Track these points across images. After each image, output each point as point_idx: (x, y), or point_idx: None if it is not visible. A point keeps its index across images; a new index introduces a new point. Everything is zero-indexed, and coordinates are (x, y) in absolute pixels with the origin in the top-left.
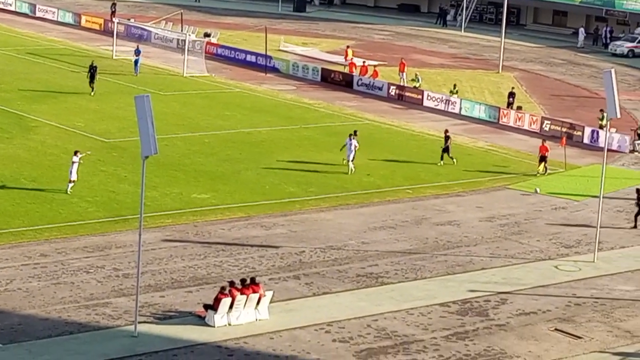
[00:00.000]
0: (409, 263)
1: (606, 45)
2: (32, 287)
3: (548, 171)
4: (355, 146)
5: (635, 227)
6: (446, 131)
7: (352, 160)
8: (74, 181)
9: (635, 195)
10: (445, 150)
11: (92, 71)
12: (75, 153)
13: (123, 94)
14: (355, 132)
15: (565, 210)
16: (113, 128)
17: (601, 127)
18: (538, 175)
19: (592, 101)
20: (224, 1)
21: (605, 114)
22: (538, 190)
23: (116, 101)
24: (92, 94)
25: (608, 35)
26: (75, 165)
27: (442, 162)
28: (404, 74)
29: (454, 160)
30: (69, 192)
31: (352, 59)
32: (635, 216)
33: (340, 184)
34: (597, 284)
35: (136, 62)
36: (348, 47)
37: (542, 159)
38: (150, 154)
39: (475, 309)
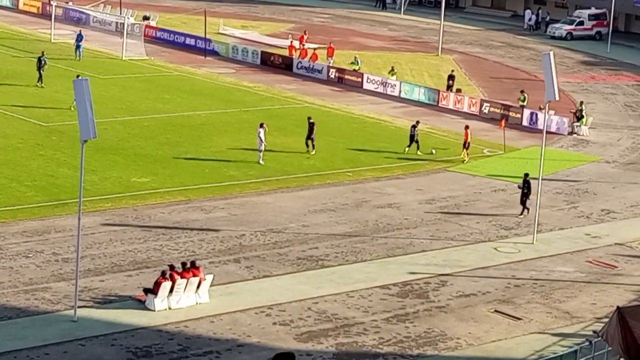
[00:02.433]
0: (349, 246)
1: (532, 28)
2: None
3: (483, 155)
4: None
5: (522, 214)
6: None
7: (261, 151)
8: None
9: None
10: (415, 141)
11: (41, 63)
12: None
13: (62, 77)
14: (261, 124)
15: (505, 193)
16: (52, 112)
17: (521, 107)
18: (465, 162)
19: (531, 84)
20: None
21: (525, 95)
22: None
23: (55, 85)
24: (41, 85)
25: (534, 19)
26: None
27: (407, 149)
28: (332, 58)
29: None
30: None
31: (303, 45)
32: (521, 201)
33: (281, 167)
34: (536, 266)
35: (78, 47)
36: (305, 32)
37: (465, 145)
38: (89, 138)
39: (416, 291)
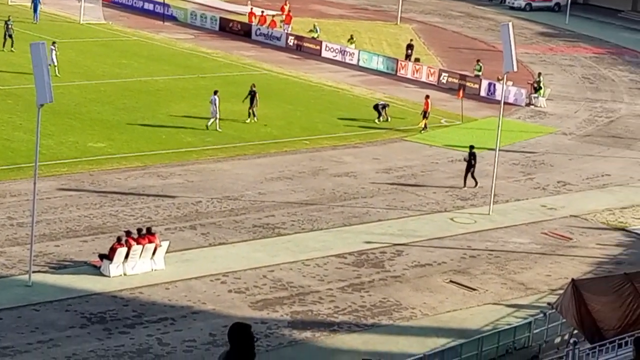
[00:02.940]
0: (305, 214)
1: None
2: None
3: (441, 125)
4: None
5: (465, 186)
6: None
7: (217, 119)
8: None
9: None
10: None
11: (8, 27)
12: None
13: (18, 40)
14: (215, 91)
15: (462, 163)
16: (7, 75)
17: (477, 76)
18: (422, 132)
19: (489, 54)
20: None
21: (481, 65)
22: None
23: (10, 47)
24: (8, 48)
25: None
26: None
27: (378, 120)
28: (289, 26)
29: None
30: None
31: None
32: (465, 174)
33: (238, 135)
34: (492, 237)
35: (35, 8)
36: (286, 2)
37: (424, 114)
38: (45, 102)
39: (371, 260)
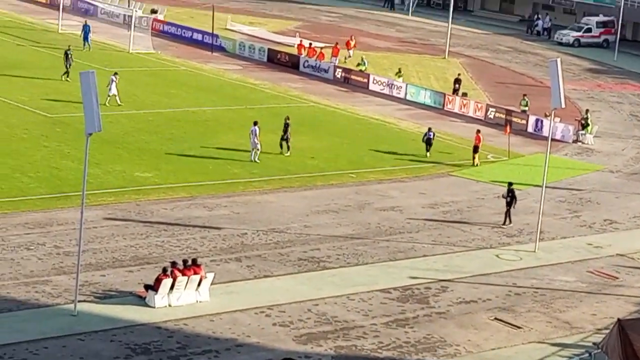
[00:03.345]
0: (351, 248)
1: (539, 34)
2: None
3: (487, 161)
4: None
5: (505, 223)
6: (430, 129)
7: (257, 150)
8: None
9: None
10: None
11: (67, 57)
12: None
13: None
14: (255, 122)
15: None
16: (57, 103)
17: (523, 111)
18: (474, 166)
19: (537, 89)
20: None
21: (527, 100)
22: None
23: (60, 76)
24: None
25: (541, 24)
26: None
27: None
28: (337, 58)
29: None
30: None
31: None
32: (506, 212)
33: (284, 167)
34: (537, 274)
35: (86, 36)
36: (352, 36)
37: (475, 149)
38: (94, 131)
39: (416, 296)
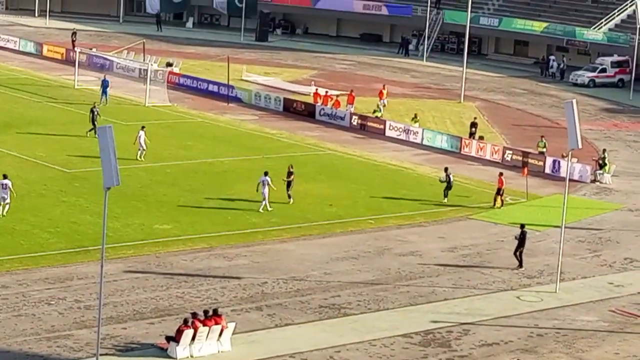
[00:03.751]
0: (371, 294)
1: (554, 76)
2: None
3: (505, 203)
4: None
5: (520, 265)
6: (446, 169)
7: (267, 200)
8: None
9: (519, 231)
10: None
11: (94, 114)
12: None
13: (85, 123)
14: (265, 172)
15: (528, 241)
16: (75, 158)
17: (541, 153)
18: (496, 208)
19: (553, 131)
20: (186, 30)
21: (545, 141)
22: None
23: (78, 131)
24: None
25: (556, 66)
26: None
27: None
28: (352, 105)
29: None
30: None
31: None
32: (515, 252)
33: (303, 215)
34: (559, 315)
35: (104, 90)
36: (384, 86)
37: (499, 191)
38: (112, 185)
39: (438, 340)
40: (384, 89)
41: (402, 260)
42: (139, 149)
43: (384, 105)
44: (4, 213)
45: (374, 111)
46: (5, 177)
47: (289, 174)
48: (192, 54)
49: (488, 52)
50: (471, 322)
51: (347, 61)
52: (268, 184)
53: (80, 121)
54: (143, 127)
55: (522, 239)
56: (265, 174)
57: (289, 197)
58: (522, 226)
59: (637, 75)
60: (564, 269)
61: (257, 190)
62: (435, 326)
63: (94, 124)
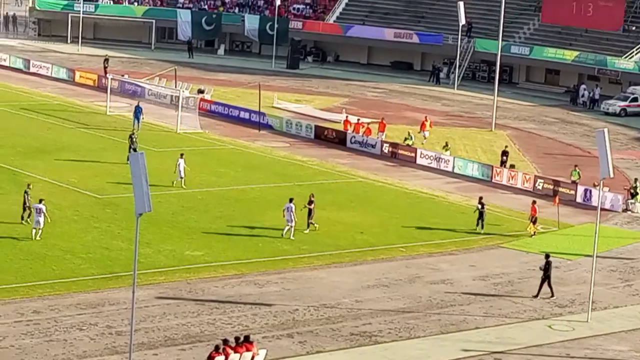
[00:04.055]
0: (402, 322)
1: (584, 104)
2: (25, 345)
3: (537, 232)
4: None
5: (552, 296)
6: (480, 198)
7: (292, 227)
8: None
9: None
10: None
11: (132, 141)
12: (40, 201)
13: (117, 150)
14: (290, 199)
15: (559, 270)
16: (107, 184)
17: (574, 182)
18: (532, 236)
19: (585, 160)
20: (217, 57)
21: (578, 170)
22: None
23: (110, 157)
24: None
25: (587, 95)
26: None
27: (478, 228)
28: (383, 133)
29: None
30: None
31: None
32: (541, 284)
33: (334, 242)
34: (590, 344)
35: (137, 117)
36: (427, 117)
37: (533, 220)
38: (144, 212)
39: None
40: (426, 120)
41: (433, 288)
42: (178, 177)
43: (425, 138)
44: (38, 237)
45: (405, 139)
46: (40, 201)
47: (310, 202)
48: (224, 81)
49: (519, 80)
50: (502, 351)
51: (378, 89)
52: (292, 210)
53: (112, 147)
54: (182, 155)
55: (546, 269)
56: (290, 200)
57: (309, 225)
58: (547, 256)
59: None
60: (596, 299)
61: (283, 217)
62: (466, 355)
63: (133, 150)
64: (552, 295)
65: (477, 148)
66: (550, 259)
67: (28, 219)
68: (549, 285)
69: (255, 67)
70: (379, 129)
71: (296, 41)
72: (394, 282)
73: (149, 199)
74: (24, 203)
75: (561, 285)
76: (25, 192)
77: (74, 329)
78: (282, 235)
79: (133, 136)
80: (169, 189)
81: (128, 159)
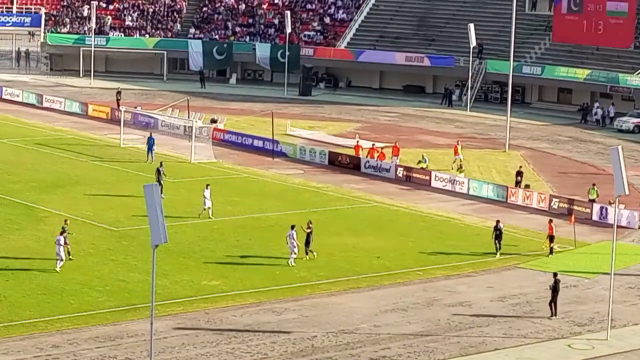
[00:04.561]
0: (421, 345)
1: (598, 122)
2: None
3: (554, 251)
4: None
5: (554, 314)
6: (497, 221)
7: (294, 254)
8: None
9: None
10: (498, 238)
11: (159, 174)
12: (62, 233)
13: (131, 182)
14: (292, 226)
15: (577, 288)
16: (122, 217)
17: (592, 200)
18: (549, 256)
19: (599, 178)
20: (230, 87)
21: (596, 189)
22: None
23: (125, 189)
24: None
25: (600, 113)
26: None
27: (498, 254)
28: (397, 157)
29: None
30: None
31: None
32: (550, 303)
33: (351, 267)
34: None
35: (150, 148)
36: (458, 142)
37: (550, 239)
38: (160, 243)
39: None
40: (458, 144)
41: (451, 310)
42: (203, 208)
43: (461, 160)
44: (59, 269)
45: (419, 162)
46: (62, 232)
47: (308, 228)
48: (236, 110)
49: (531, 100)
50: None
51: (391, 113)
52: (294, 237)
53: (127, 180)
54: (208, 185)
55: (555, 288)
56: (292, 227)
57: (307, 252)
58: (555, 274)
59: None
60: (615, 316)
61: (286, 244)
62: None
63: (160, 183)
64: (553, 315)
65: (491, 169)
66: (559, 277)
67: (69, 256)
68: (553, 305)
69: (268, 95)
70: (393, 153)
71: (308, 68)
72: (411, 306)
73: (164, 230)
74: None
75: (579, 304)
76: (63, 228)
77: None
78: (289, 264)
79: (160, 169)
80: (184, 219)
81: (161, 192)
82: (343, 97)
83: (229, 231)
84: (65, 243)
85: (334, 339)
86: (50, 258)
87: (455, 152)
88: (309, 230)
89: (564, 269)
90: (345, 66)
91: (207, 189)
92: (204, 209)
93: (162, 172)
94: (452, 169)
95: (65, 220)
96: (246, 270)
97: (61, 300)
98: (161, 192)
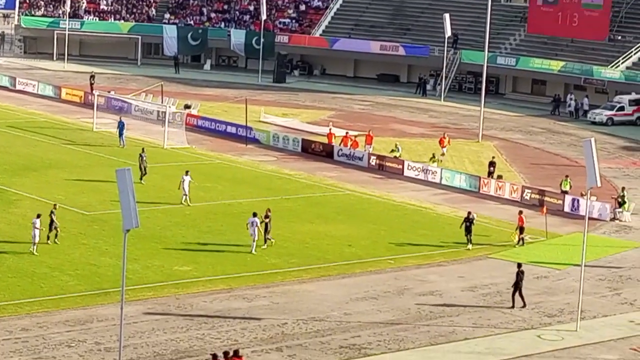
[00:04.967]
0: (391, 334)
1: (571, 114)
2: None
3: (525, 241)
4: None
5: (513, 306)
6: (469, 213)
7: (255, 242)
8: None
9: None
10: (469, 229)
11: (142, 159)
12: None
13: (104, 166)
14: (254, 213)
15: (547, 280)
16: (94, 201)
17: (565, 192)
18: (516, 246)
19: (572, 169)
20: (204, 72)
21: (569, 181)
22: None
23: (97, 174)
24: (141, 182)
25: (573, 104)
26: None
27: (470, 246)
28: (370, 146)
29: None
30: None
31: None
32: (513, 294)
33: (322, 255)
34: (580, 353)
35: (120, 133)
36: (445, 133)
37: (520, 229)
38: (131, 227)
39: None
40: (444, 137)
41: (422, 299)
42: (183, 195)
43: (442, 154)
44: (35, 251)
45: (392, 150)
46: (38, 216)
47: (267, 216)
48: (210, 96)
49: (505, 91)
50: None
51: (365, 102)
52: (257, 225)
53: (99, 164)
54: (187, 172)
55: (516, 279)
56: (254, 214)
57: (266, 240)
58: (519, 265)
59: None
60: (585, 308)
61: (247, 230)
62: None
63: (143, 169)
64: (522, 306)
65: (464, 159)
66: (522, 268)
67: (56, 239)
68: (520, 295)
69: (242, 81)
70: (367, 141)
71: (282, 55)
72: (382, 295)
73: (136, 215)
74: (51, 223)
75: (550, 295)
76: (52, 212)
77: (63, 346)
78: (251, 252)
79: (143, 154)
80: (156, 204)
81: (141, 179)
82: (317, 85)
83: (201, 217)
84: (40, 227)
85: (304, 326)
86: (21, 241)
87: (441, 144)
88: (267, 220)
89: (535, 260)
90: (320, 54)
91: (186, 175)
92: (185, 195)
93: (144, 158)
94: (441, 161)
95: (55, 205)
96: (217, 256)
97: (31, 284)
98: (141, 179)
